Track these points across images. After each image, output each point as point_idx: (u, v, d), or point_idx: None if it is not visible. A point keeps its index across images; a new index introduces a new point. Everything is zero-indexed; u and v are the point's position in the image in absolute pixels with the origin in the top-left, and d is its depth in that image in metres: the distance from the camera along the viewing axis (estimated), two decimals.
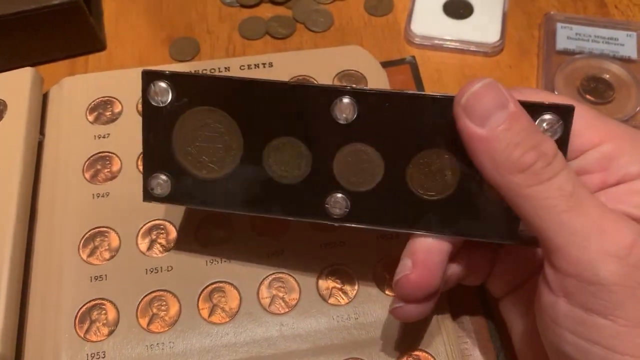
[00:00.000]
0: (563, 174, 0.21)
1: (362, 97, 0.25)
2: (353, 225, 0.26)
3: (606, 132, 0.24)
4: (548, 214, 0.21)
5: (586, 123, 0.24)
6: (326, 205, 0.26)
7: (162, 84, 0.26)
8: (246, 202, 0.27)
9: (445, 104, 0.24)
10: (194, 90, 0.26)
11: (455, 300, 0.30)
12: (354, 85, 0.27)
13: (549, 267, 0.21)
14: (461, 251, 0.27)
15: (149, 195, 0.27)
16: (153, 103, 0.26)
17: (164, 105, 0.26)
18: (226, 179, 0.27)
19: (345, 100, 0.25)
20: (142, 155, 0.27)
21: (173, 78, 0.26)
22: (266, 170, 0.26)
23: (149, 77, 0.26)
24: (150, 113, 0.26)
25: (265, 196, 0.27)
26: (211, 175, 0.27)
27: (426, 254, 0.25)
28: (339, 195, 0.26)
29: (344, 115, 0.25)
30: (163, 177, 0.27)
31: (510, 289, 0.28)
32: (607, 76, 0.40)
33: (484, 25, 0.43)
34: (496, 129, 0.21)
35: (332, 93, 0.25)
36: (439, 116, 0.24)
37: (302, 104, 0.25)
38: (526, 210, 0.21)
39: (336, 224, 0.26)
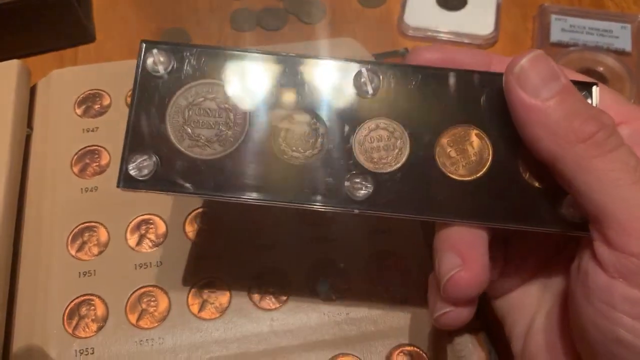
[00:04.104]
0: (625, 146, 0.20)
1: (387, 70, 0.24)
2: (376, 213, 0.23)
3: (630, 110, 0.24)
4: (612, 188, 0.20)
5: (612, 100, 0.24)
6: (346, 189, 0.23)
7: (163, 53, 0.24)
8: (247, 188, 0.23)
9: (478, 78, 0.23)
10: (198, 61, 0.24)
11: None
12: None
13: (605, 247, 0.20)
14: None
15: (127, 179, 0.23)
16: (150, 71, 0.24)
17: (162, 75, 0.24)
18: (225, 160, 0.23)
19: (369, 71, 0.23)
20: (125, 132, 0.24)
21: (175, 48, 0.24)
22: (274, 151, 0.23)
23: (148, 45, 0.24)
24: (144, 83, 0.24)
25: (272, 180, 0.23)
26: (208, 157, 0.23)
27: (471, 246, 0.23)
28: (360, 177, 0.23)
29: (367, 88, 0.23)
30: (147, 156, 0.23)
31: (514, 285, 0.26)
32: (601, 69, 0.39)
33: (477, 17, 0.42)
34: (551, 99, 0.21)
35: (353, 65, 0.24)
36: (471, 91, 0.23)
37: (319, 76, 0.24)
38: (586, 184, 0.20)
39: (356, 211, 0.23)
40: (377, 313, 0.30)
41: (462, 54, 0.25)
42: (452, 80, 0.24)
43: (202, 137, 0.24)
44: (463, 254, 0.22)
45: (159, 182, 0.23)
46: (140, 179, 0.23)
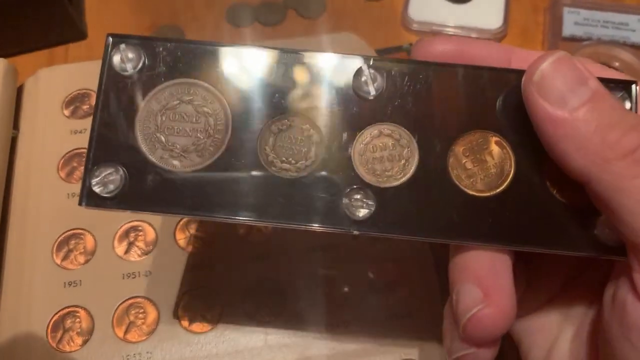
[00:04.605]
0: None
1: (391, 67, 0.21)
2: (380, 234, 0.20)
3: None
4: None
5: None
6: (344, 207, 0.20)
7: (132, 49, 0.21)
8: (229, 205, 0.20)
9: (496, 76, 0.20)
10: (172, 58, 0.21)
11: None
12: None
13: None
14: None
15: (91, 196, 0.20)
16: (117, 70, 0.21)
17: (131, 74, 0.21)
18: (204, 173, 0.21)
19: (370, 68, 0.21)
20: (89, 141, 0.21)
21: (146, 43, 0.21)
22: (261, 162, 0.21)
23: (115, 40, 0.21)
24: (111, 84, 0.21)
25: (258, 196, 0.20)
26: (184, 169, 0.21)
27: (494, 274, 0.20)
28: (361, 192, 0.20)
29: (368, 88, 0.21)
30: (113, 170, 0.20)
31: (533, 308, 0.24)
32: (617, 64, 0.37)
33: (485, 10, 0.40)
34: (580, 109, 0.18)
35: (352, 60, 0.21)
36: (489, 91, 0.21)
37: (313, 73, 0.21)
38: (625, 207, 0.17)
39: (356, 233, 0.20)
40: (378, 327, 0.28)
41: (478, 46, 0.22)
42: (467, 78, 0.21)
43: (177, 147, 0.21)
44: (485, 285, 0.19)
45: (127, 199, 0.20)
46: (106, 195, 0.20)
